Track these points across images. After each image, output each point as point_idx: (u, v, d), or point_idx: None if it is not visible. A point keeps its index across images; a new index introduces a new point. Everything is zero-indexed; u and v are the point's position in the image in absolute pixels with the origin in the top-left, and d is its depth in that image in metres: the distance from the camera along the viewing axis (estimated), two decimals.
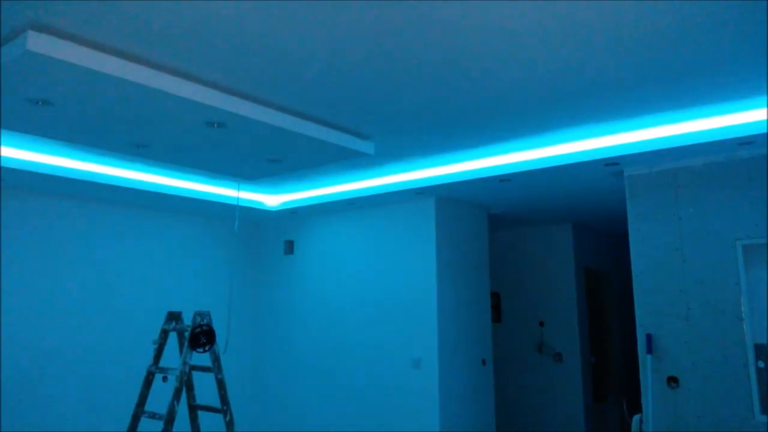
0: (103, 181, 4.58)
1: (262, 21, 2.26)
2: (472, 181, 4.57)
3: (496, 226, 7.13)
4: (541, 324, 7.03)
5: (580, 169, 4.19)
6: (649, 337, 3.96)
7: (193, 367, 4.20)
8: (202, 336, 4.05)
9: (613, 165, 4.09)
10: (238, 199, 5.37)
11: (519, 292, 7.29)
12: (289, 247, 6.46)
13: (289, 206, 5.83)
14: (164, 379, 5.31)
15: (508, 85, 2.96)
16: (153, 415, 4.00)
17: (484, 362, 5.55)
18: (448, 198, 5.34)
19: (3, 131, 3.66)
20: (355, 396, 5.58)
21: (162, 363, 4.32)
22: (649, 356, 3.94)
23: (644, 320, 4.04)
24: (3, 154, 4.05)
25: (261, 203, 5.87)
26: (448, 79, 2.87)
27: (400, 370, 5.27)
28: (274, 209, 5.96)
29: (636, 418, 4.00)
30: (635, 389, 4.47)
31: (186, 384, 4.29)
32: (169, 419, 3.75)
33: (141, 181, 4.83)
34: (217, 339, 4.23)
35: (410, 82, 2.90)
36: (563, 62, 2.67)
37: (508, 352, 7.28)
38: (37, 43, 2.27)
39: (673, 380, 3.85)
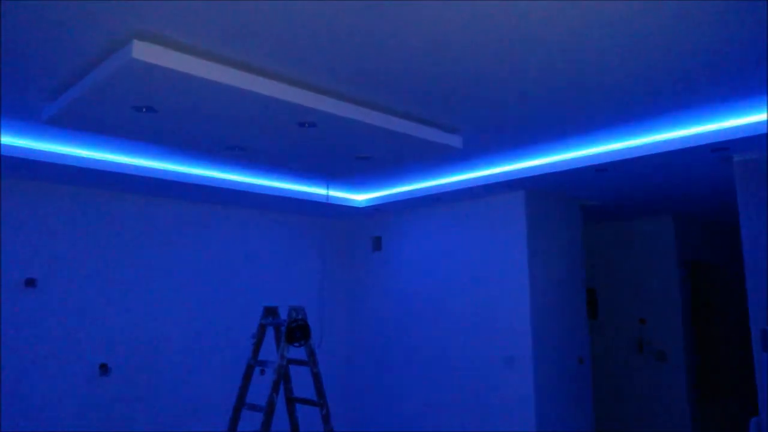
0: (201, 183, 4.80)
1: (351, 20, 2.27)
2: (564, 172, 4.42)
3: (590, 219, 6.87)
4: (642, 321, 6.69)
5: (684, 156, 3.94)
6: (765, 333, 3.67)
7: (290, 361, 4.31)
8: (297, 331, 4.15)
9: (721, 150, 3.82)
10: (327, 197, 5.47)
11: (616, 287, 6.98)
12: (377, 243, 6.52)
13: (376, 202, 5.87)
14: (262, 372, 5.52)
15: (606, 73, 2.82)
16: (253, 407, 4.14)
17: (581, 361, 5.36)
18: (539, 191, 5.19)
19: (109, 138, 3.90)
20: (446, 392, 5.55)
21: (259, 356, 4.47)
22: (765, 354, 3.65)
23: (759, 315, 3.75)
24: (110, 159, 4.34)
25: (349, 200, 5.95)
26: (541, 68, 2.78)
27: (493, 368, 5.18)
28: (361, 206, 6.03)
29: (753, 420, 3.72)
30: (749, 389, 4.16)
31: (283, 377, 4.41)
32: (269, 411, 3.87)
33: (236, 182, 5.03)
34: (312, 333, 4.32)
35: (500, 73, 2.83)
36: (666, 45, 2.52)
37: (606, 351, 6.99)
38: (142, 51, 2.40)
39: None
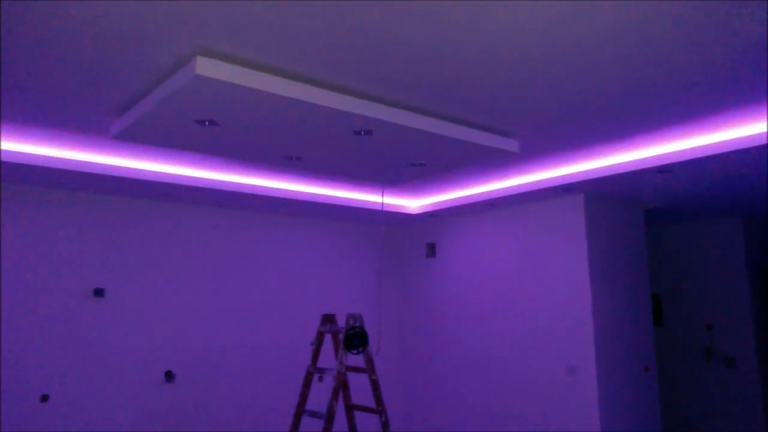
0: (260, 193, 4.90)
1: (405, 29, 2.27)
2: (626, 174, 4.29)
3: (652, 222, 6.65)
4: (709, 327, 6.42)
5: (756, 154, 3.76)
6: None
7: (349, 368, 4.33)
8: (355, 338, 4.16)
9: None
10: (382, 204, 5.49)
11: (681, 293, 6.72)
12: (431, 250, 6.49)
13: (430, 209, 5.85)
14: (320, 378, 5.56)
15: (669, 69, 2.73)
16: (313, 414, 4.17)
17: (647, 369, 5.17)
18: (598, 193, 5.06)
19: (170, 151, 4.03)
20: (506, 400, 5.45)
21: (318, 363, 4.50)
22: None
23: None
24: (173, 172, 4.48)
25: (403, 207, 5.95)
26: (598, 68, 2.71)
27: (554, 377, 5.06)
28: (416, 213, 6.01)
29: None
30: None
31: (342, 384, 4.43)
32: (329, 418, 3.90)
33: (293, 191, 5.10)
34: (369, 341, 4.33)
35: (556, 75, 2.77)
36: (727, 37, 2.41)
37: (672, 358, 6.74)
38: (205, 67, 2.47)
39: None
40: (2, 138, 3.72)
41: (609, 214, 5.20)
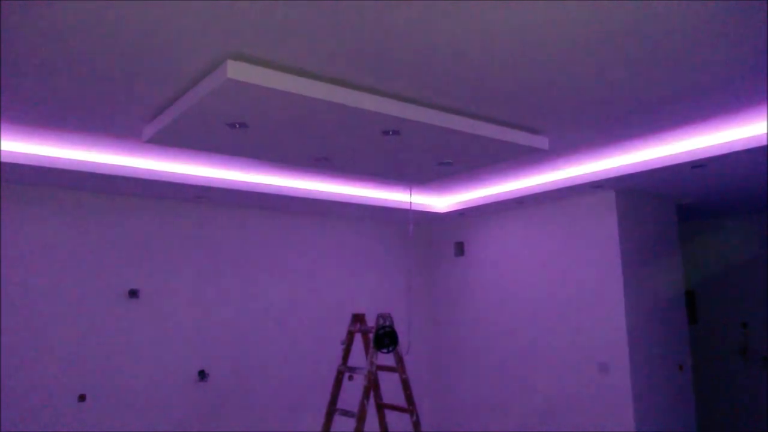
0: (291, 194, 4.94)
1: (432, 29, 2.27)
2: (658, 169, 4.22)
3: (686, 218, 6.53)
4: (744, 325, 6.29)
5: None
6: None
7: (379, 367, 4.34)
8: (385, 337, 4.18)
9: None
10: (411, 203, 5.49)
11: (716, 290, 6.59)
12: (459, 249, 6.46)
13: (458, 208, 5.83)
14: (350, 378, 5.59)
15: (701, 60, 2.67)
16: (345, 413, 4.19)
17: (681, 368, 5.08)
18: (630, 190, 4.99)
19: (204, 154, 4.09)
20: (536, 400, 5.41)
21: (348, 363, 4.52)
22: None
23: None
24: (206, 174, 4.55)
25: (431, 206, 5.94)
26: (629, 60, 2.67)
27: (586, 375, 5.00)
28: (444, 211, 6.00)
29: None
30: None
31: (373, 383, 4.45)
32: (361, 417, 3.91)
33: (323, 191, 5.14)
34: (399, 340, 4.33)
35: (586, 69, 2.74)
36: (760, 27, 2.35)
37: (706, 357, 6.61)
38: (236, 71, 2.50)
39: None
40: (38, 143, 3.81)
41: (641, 211, 5.12)
